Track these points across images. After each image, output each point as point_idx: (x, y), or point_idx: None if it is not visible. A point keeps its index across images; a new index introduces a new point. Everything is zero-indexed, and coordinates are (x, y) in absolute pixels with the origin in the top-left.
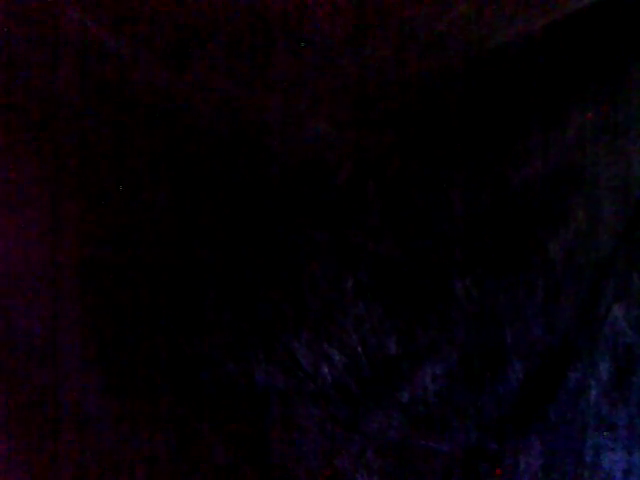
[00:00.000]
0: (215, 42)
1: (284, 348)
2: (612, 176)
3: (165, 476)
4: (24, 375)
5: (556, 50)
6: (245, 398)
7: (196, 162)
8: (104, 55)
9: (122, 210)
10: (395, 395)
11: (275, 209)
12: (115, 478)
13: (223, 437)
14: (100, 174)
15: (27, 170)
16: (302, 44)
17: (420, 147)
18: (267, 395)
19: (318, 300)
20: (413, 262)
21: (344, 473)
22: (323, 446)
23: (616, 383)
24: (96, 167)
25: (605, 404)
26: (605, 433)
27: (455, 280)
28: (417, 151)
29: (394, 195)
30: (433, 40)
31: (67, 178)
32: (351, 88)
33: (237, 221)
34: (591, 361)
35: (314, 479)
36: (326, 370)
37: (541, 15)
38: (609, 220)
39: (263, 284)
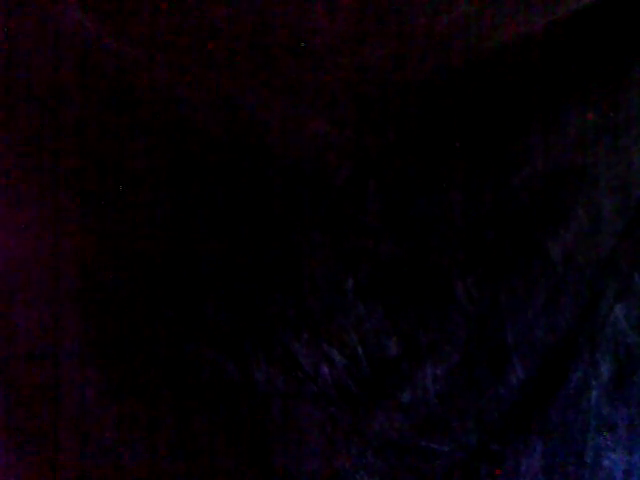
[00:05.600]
0: (215, 42)
1: (284, 348)
2: (613, 176)
3: (165, 476)
4: (24, 375)
5: (556, 50)
6: (245, 398)
7: (196, 162)
8: (104, 55)
9: (122, 210)
10: (396, 396)
11: (275, 209)
12: (115, 478)
13: (223, 437)
14: (100, 174)
15: (27, 170)
16: (302, 44)
17: (420, 147)
18: (267, 395)
19: (318, 300)
20: (413, 262)
21: (344, 474)
22: (323, 447)
23: (617, 383)
24: (96, 167)
25: (606, 404)
26: (606, 433)
27: (456, 280)
28: (417, 151)
29: (394, 195)
30: (433, 40)
31: (67, 178)
32: (351, 88)
33: (237, 221)
34: (592, 361)
35: (314, 479)
36: (326, 371)
37: (541, 15)
38: (610, 220)
39: (263, 284)
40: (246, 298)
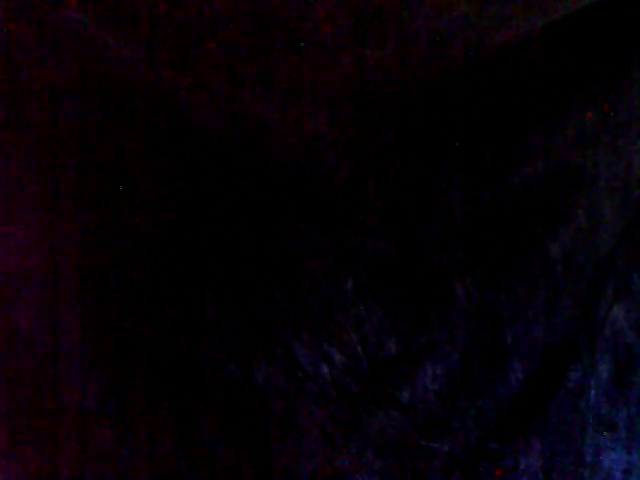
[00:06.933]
0: (215, 42)
1: (284, 348)
2: (612, 176)
3: (165, 476)
4: (24, 375)
5: (556, 50)
6: (245, 398)
7: (196, 162)
8: (104, 55)
9: (122, 210)
10: (395, 395)
11: (275, 209)
12: (115, 478)
13: (223, 437)
14: (100, 174)
15: (27, 170)
16: (302, 44)
17: (420, 147)
18: (267, 395)
19: (318, 300)
20: (413, 262)
21: (344, 473)
22: (323, 446)
23: (616, 383)
24: (96, 167)
25: (605, 404)
26: (605, 433)
27: (455, 280)
28: (417, 151)
29: (394, 195)
30: (433, 40)
31: (67, 178)
32: (351, 88)
33: (237, 221)
34: (591, 361)
35: (314, 479)
36: (326, 370)
37: (541, 15)
38: (609, 220)
39: (263, 284)
40: (246, 298)
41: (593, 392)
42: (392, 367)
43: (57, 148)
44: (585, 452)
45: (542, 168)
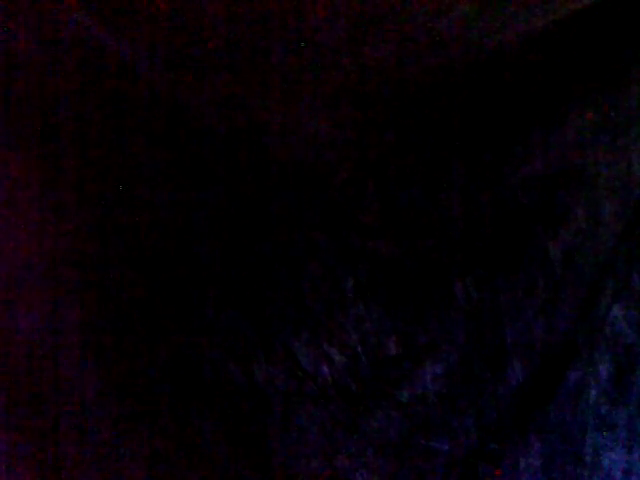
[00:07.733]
0: (215, 42)
1: (284, 348)
2: (612, 176)
3: (165, 476)
4: (24, 375)
5: (556, 50)
6: (245, 398)
7: (196, 162)
8: (104, 55)
9: (122, 210)
10: (395, 395)
11: (275, 209)
12: (115, 478)
13: (223, 437)
14: (100, 174)
15: (27, 170)
16: (302, 44)
17: (420, 147)
18: (267, 395)
19: (318, 300)
20: (413, 262)
21: (344, 473)
22: (323, 446)
23: (616, 383)
24: (96, 167)
25: (605, 404)
26: (605, 433)
27: (455, 280)
28: (417, 151)
29: (394, 195)
30: (433, 40)
31: (67, 178)
32: (351, 88)
33: (237, 221)
34: (591, 361)
35: (314, 479)
36: (326, 370)
37: (541, 15)
38: (609, 220)
39: (263, 284)
40: (246, 298)
41: (593, 392)
42: (392, 367)
43: (57, 148)
44: (585, 452)
45: (542, 168)
